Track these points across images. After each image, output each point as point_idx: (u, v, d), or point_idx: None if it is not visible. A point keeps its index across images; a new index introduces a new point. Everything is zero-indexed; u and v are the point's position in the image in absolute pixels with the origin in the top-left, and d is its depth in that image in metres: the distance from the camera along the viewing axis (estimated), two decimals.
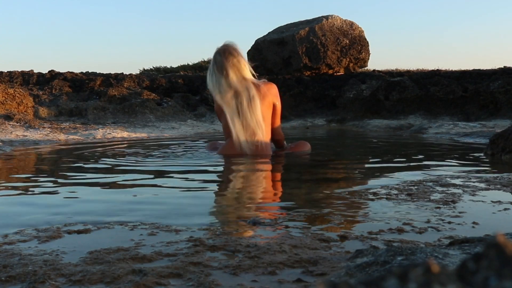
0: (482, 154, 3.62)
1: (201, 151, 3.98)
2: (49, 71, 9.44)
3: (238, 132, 3.36)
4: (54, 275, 1.11)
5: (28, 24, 46.50)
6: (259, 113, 3.35)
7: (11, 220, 1.68)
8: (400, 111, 8.03)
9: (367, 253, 1.12)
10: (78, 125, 6.42)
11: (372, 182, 2.50)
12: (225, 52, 3.30)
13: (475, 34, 39.41)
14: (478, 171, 2.81)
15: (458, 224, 1.61)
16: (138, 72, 12.60)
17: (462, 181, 2.40)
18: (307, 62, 9.43)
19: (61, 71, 9.46)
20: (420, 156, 3.78)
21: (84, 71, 9.95)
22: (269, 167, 3.20)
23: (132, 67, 37.07)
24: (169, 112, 7.83)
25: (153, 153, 4.08)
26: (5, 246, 1.35)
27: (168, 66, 14.67)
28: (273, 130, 3.58)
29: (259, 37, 10.08)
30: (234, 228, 1.56)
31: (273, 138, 3.61)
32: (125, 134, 5.90)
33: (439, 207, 1.83)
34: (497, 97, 7.57)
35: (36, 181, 2.62)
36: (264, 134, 3.41)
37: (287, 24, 10.28)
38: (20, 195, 2.20)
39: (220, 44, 3.38)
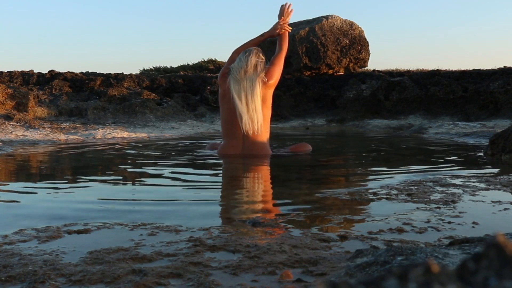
0: (482, 154, 3.62)
1: (201, 151, 3.98)
2: (49, 71, 9.43)
3: (240, 109, 3.38)
4: (54, 275, 1.11)
5: (28, 24, 46.44)
6: (259, 101, 3.40)
7: (11, 220, 1.68)
8: (400, 111, 8.03)
9: (367, 253, 1.12)
10: (78, 125, 6.42)
11: (372, 182, 2.50)
12: (257, 51, 3.54)
13: (475, 34, 39.36)
14: (478, 171, 2.81)
15: (458, 224, 1.61)
16: (138, 72, 12.59)
17: (462, 181, 2.40)
18: (307, 62, 9.43)
19: (61, 71, 9.45)
20: (420, 156, 3.78)
21: (84, 71, 9.94)
22: (269, 167, 3.20)
23: (132, 67, 36.98)
24: (169, 112, 7.83)
25: (153, 153, 4.08)
26: (5, 246, 1.35)
27: (168, 66, 14.65)
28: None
29: None
30: (234, 228, 1.56)
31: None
32: (125, 134, 5.90)
33: (439, 207, 1.83)
34: (497, 97, 7.57)
35: (36, 181, 2.62)
36: (262, 121, 3.42)
37: None
38: (20, 195, 2.20)
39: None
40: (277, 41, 3.79)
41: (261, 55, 3.51)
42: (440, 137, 5.50)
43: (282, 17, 3.73)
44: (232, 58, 3.63)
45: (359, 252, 1.16)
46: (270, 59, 3.63)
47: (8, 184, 2.50)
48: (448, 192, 2.13)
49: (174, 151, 4.16)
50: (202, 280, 1.07)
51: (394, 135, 6.23)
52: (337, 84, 9.07)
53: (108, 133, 5.79)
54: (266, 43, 10.13)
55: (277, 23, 3.73)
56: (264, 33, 3.77)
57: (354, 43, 9.68)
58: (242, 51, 3.57)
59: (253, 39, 3.73)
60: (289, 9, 3.78)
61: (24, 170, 3.14)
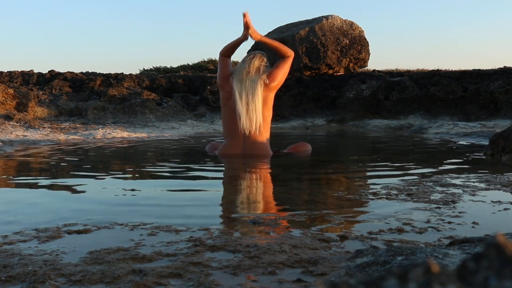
0: (482, 154, 3.62)
1: (202, 152, 3.98)
2: (49, 71, 9.43)
3: (240, 108, 3.44)
4: (54, 275, 1.11)
5: (28, 24, 46.42)
6: (259, 101, 3.45)
7: (11, 220, 1.68)
8: (400, 111, 8.03)
9: (367, 253, 1.12)
10: (78, 125, 6.42)
11: (372, 182, 2.50)
12: (261, 55, 3.61)
13: (475, 34, 39.34)
14: (478, 171, 2.81)
15: (458, 224, 1.61)
16: (138, 72, 12.59)
17: (462, 181, 2.40)
18: (307, 62, 9.43)
19: (61, 71, 9.45)
20: (420, 156, 3.78)
21: (84, 71, 9.93)
22: (269, 167, 3.20)
23: (132, 67, 36.92)
24: (169, 112, 7.83)
25: (153, 154, 4.08)
26: (5, 246, 1.35)
27: (168, 66, 14.65)
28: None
29: None
30: (234, 228, 1.56)
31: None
32: (125, 134, 5.90)
33: (439, 207, 1.83)
34: (497, 97, 7.57)
35: (36, 181, 2.61)
36: (261, 121, 3.46)
37: (287, 24, 10.27)
38: (20, 195, 2.20)
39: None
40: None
41: (264, 59, 3.59)
42: (440, 137, 5.50)
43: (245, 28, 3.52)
44: (221, 61, 3.67)
45: (359, 252, 1.16)
46: (268, 59, 3.65)
47: (8, 184, 2.50)
48: (448, 192, 2.13)
49: (174, 151, 4.16)
50: (202, 280, 1.07)
51: (394, 135, 6.23)
52: (337, 84, 9.07)
53: (108, 133, 5.79)
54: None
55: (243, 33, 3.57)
56: (238, 38, 3.62)
57: (354, 43, 9.68)
58: (230, 52, 3.64)
59: (234, 41, 3.64)
60: (246, 19, 3.51)
61: (24, 170, 3.14)
